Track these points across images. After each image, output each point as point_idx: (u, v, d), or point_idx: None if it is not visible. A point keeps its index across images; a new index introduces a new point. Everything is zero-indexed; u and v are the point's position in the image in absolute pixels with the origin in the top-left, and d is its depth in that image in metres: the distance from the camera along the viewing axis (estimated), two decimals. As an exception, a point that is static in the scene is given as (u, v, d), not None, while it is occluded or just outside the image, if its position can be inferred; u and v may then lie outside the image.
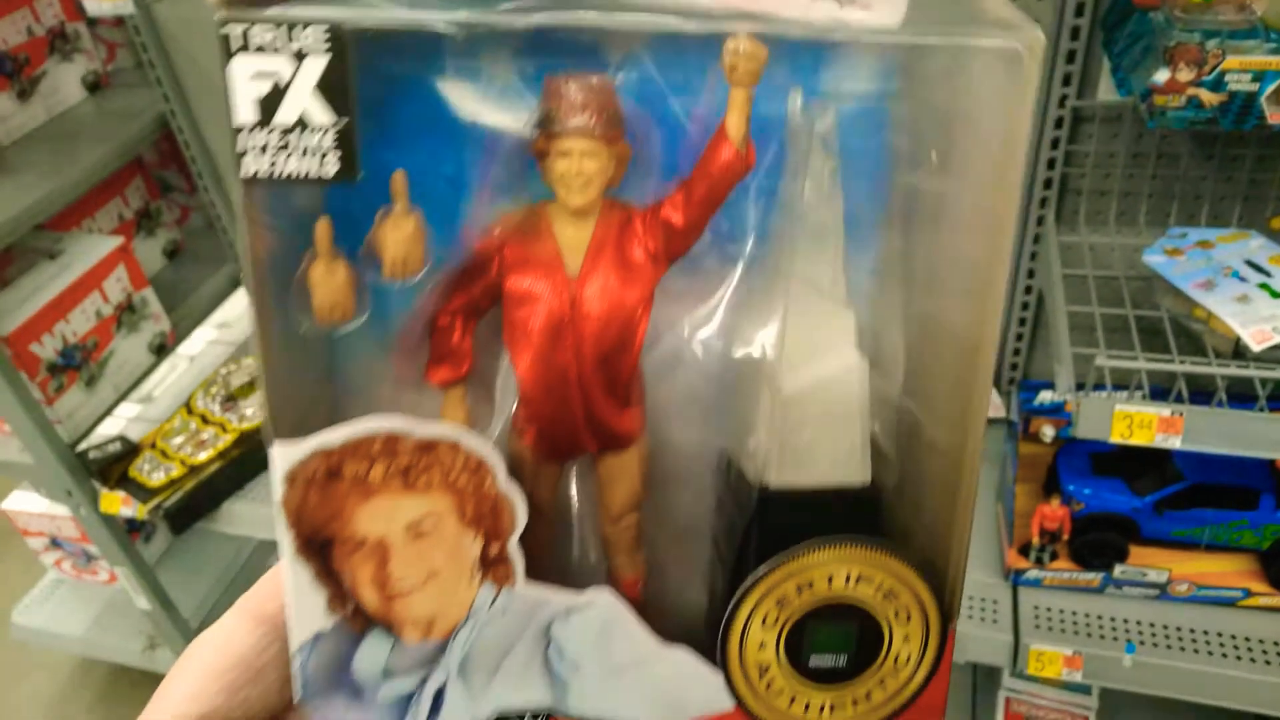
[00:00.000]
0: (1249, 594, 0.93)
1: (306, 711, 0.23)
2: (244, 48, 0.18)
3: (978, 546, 1.04)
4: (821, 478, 0.23)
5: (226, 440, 1.25)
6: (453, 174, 0.20)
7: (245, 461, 1.25)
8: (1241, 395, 0.78)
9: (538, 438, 0.23)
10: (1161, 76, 0.80)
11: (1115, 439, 0.78)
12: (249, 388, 1.32)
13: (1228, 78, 0.79)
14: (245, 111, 0.18)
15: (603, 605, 0.23)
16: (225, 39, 0.18)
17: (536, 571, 0.23)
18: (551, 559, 0.23)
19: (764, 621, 0.24)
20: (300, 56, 0.18)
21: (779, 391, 0.22)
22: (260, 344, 0.21)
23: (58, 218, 1.35)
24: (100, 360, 1.32)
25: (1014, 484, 1.01)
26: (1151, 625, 0.94)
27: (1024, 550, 0.98)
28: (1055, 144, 1.01)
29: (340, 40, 0.17)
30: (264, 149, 0.19)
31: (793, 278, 0.21)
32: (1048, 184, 1.04)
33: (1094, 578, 0.96)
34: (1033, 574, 0.98)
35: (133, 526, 1.57)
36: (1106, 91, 0.98)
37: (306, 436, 0.21)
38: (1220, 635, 0.93)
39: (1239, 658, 0.91)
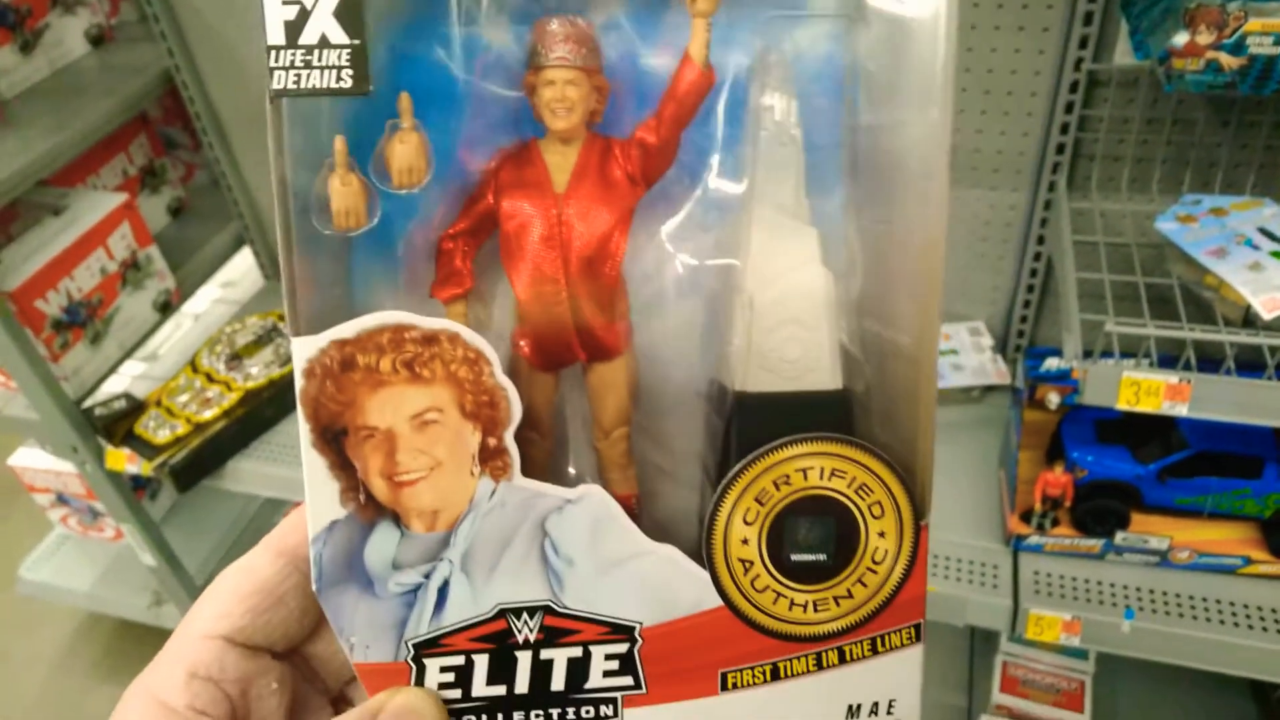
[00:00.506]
0: (1249, 561, 0.94)
1: (322, 602, 0.25)
2: None
3: (979, 512, 1.05)
4: (794, 383, 0.25)
5: (231, 399, 1.25)
6: (450, 99, 0.23)
7: (250, 420, 1.25)
8: (1251, 365, 0.78)
9: (534, 347, 0.25)
10: (1180, 39, 0.79)
11: (1122, 405, 0.77)
12: (254, 346, 1.32)
13: (1249, 40, 0.77)
14: (275, 33, 0.22)
15: (593, 501, 0.25)
16: None
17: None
18: (547, 476, 0.25)
19: (745, 518, 0.25)
20: None
21: (750, 303, 0.24)
22: (283, 247, 0.23)
23: (61, 174, 1.34)
24: (105, 317, 1.32)
25: (1017, 450, 1.01)
26: (1151, 592, 0.95)
27: (1026, 516, 0.98)
28: (1069, 108, 1.00)
29: None
30: (290, 66, 0.22)
31: (760, 201, 0.24)
32: (1060, 149, 1.02)
33: (1095, 544, 0.96)
34: (1034, 540, 0.98)
35: (138, 484, 1.58)
36: (1123, 55, 0.96)
37: (322, 333, 0.23)
38: (1219, 602, 0.93)
39: (1237, 624, 0.91)
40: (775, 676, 0.26)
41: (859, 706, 0.27)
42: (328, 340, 0.23)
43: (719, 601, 0.25)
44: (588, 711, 0.26)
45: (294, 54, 0.22)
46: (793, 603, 0.26)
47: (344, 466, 0.25)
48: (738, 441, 0.24)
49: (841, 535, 0.25)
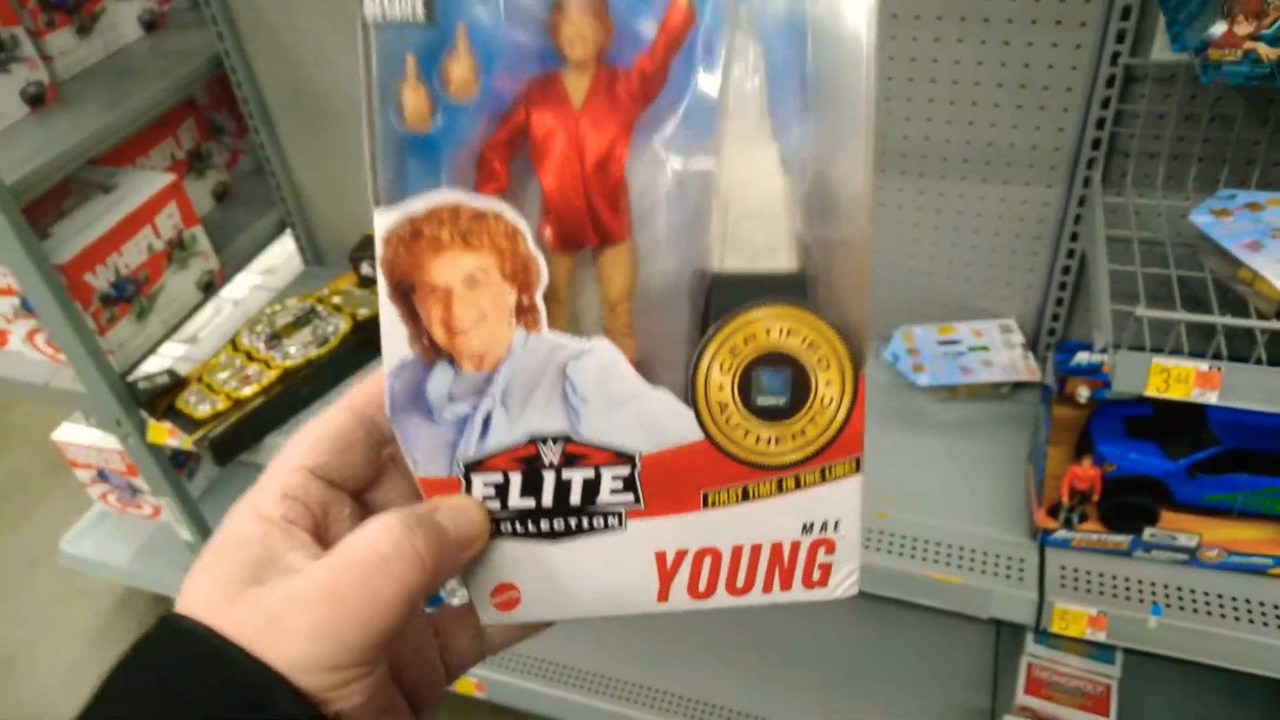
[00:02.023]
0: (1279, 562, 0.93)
1: (393, 425, 0.32)
2: None
3: (1007, 507, 1.04)
4: (759, 264, 0.31)
5: (270, 376, 1.28)
6: (494, 33, 0.30)
7: (287, 397, 1.28)
8: (1283, 360, 0.78)
9: (555, 230, 0.31)
10: (1218, 29, 0.79)
11: (1151, 392, 0.77)
12: (293, 327, 1.35)
13: (1288, 31, 0.77)
14: None
15: (603, 350, 0.32)
16: None
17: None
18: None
19: (721, 368, 0.32)
20: None
21: (725, 201, 0.31)
22: (368, 139, 0.30)
23: (112, 154, 1.38)
24: (151, 294, 1.36)
25: (1046, 446, 1.01)
26: (1179, 589, 0.94)
27: (1053, 511, 0.98)
28: (1105, 103, 0.99)
29: None
30: (375, 1, 0.29)
31: (732, 120, 0.31)
32: (1096, 144, 1.02)
33: (1122, 540, 0.96)
34: (1061, 534, 0.98)
35: (177, 462, 1.62)
36: (1161, 50, 0.96)
37: (397, 205, 0.30)
38: (1248, 602, 0.92)
39: (1266, 624, 0.90)
40: (745, 497, 0.33)
41: (812, 524, 0.33)
42: (401, 213, 0.30)
43: (701, 435, 0.32)
44: (598, 521, 0.33)
45: None
46: (759, 438, 0.32)
47: (412, 317, 0.31)
48: (714, 308, 0.31)
49: (796, 383, 0.32)
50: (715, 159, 0.31)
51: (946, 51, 1.04)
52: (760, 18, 0.30)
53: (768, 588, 0.34)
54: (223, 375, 1.30)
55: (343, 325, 1.34)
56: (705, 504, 0.33)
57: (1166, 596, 0.93)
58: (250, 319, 1.38)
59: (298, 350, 1.31)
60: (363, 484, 0.34)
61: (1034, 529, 1.00)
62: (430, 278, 0.30)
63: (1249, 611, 0.91)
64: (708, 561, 0.33)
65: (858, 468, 0.33)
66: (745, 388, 0.32)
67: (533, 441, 0.32)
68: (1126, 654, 1.23)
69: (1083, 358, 1.02)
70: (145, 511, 1.79)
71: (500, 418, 0.32)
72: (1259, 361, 0.76)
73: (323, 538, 0.31)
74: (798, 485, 0.33)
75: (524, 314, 0.31)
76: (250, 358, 1.32)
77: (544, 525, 0.33)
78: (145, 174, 1.38)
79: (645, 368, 0.32)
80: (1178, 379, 0.75)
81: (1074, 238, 1.10)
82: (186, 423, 1.26)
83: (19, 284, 1.21)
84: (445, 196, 0.30)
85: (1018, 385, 1.18)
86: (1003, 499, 1.05)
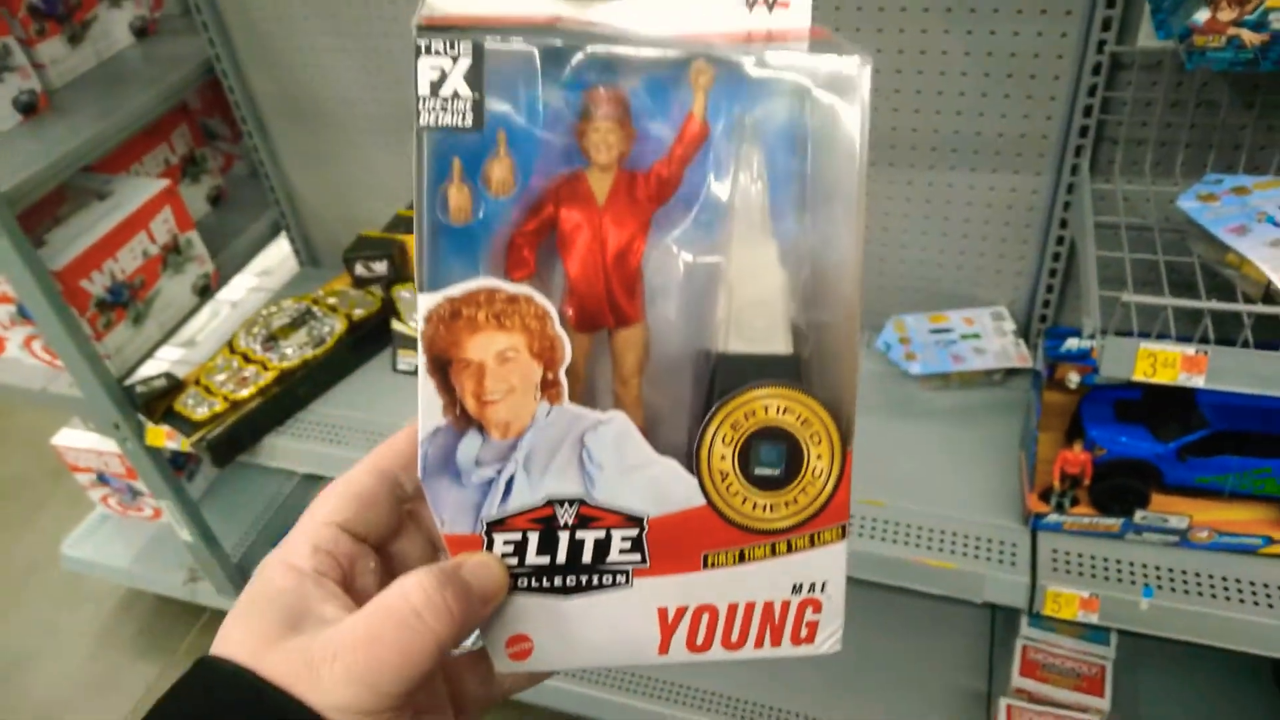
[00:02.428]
0: (1270, 541, 0.94)
1: (425, 487, 0.34)
2: (427, 51, 0.32)
3: (999, 492, 1.05)
4: (759, 347, 0.35)
5: (267, 378, 1.29)
6: (530, 139, 0.33)
7: (284, 398, 1.29)
8: (1270, 345, 0.78)
9: (578, 312, 0.35)
10: (1202, 16, 0.79)
11: (1139, 377, 0.78)
12: (289, 328, 1.36)
13: (1271, 16, 0.78)
14: (424, 87, 0.32)
15: (619, 421, 0.35)
16: (417, 46, 0.32)
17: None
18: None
19: (723, 440, 0.35)
20: (456, 58, 0.32)
21: (729, 289, 0.35)
22: (417, 231, 0.33)
23: (106, 161, 1.39)
24: (147, 299, 1.37)
25: (1037, 431, 1.02)
26: (1170, 570, 0.95)
27: (1045, 495, 0.99)
28: (1092, 90, 1.00)
29: (479, 52, 0.32)
30: (430, 110, 0.32)
31: (737, 220, 0.34)
32: (1083, 131, 1.03)
33: (1114, 523, 0.97)
34: (1052, 518, 0.99)
35: (177, 464, 1.63)
36: (1146, 38, 0.97)
37: (440, 290, 0.33)
38: (1239, 581, 0.93)
39: (1257, 603, 0.91)
40: (741, 559, 0.36)
41: (801, 585, 0.36)
42: (443, 296, 0.33)
43: (703, 501, 0.35)
44: (607, 578, 0.36)
45: (434, 101, 0.32)
46: (755, 504, 0.35)
47: (447, 389, 0.34)
48: (719, 385, 0.35)
49: (790, 455, 0.35)
50: (723, 253, 0.35)
51: (934, 42, 1.05)
52: (764, 127, 0.34)
53: (760, 643, 0.37)
54: (220, 377, 1.31)
55: (338, 326, 1.35)
56: (705, 564, 0.36)
57: (1158, 578, 0.95)
58: (246, 321, 1.39)
59: (294, 351, 1.32)
60: (385, 538, 0.37)
61: (1026, 513, 1.01)
62: (466, 354, 0.33)
63: (1240, 591, 0.93)
64: (706, 618, 0.36)
65: (843, 534, 0.36)
66: (745, 459, 0.35)
67: (550, 503, 0.35)
68: (1121, 634, 1.24)
69: (1072, 343, 1.03)
70: (146, 513, 1.80)
71: (522, 481, 0.35)
72: (1246, 345, 0.77)
73: (350, 588, 0.34)
74: (789, 549, 0.36)
75: (548, 388, 0.34)
76: (247, 359, 1.32)
77: (557, 581, 0.36)
78: (139, 180, 1.39)
79: (651, 431, 0.35)
80: (1165, 363, 0.76)
81: (1063, 225, 1.11)
82: (185, 425, 1.26)
83: (15, 291, 1.21)
84: (482, 282, 0.33)
85: (1009, 372, 1.19)
86: (995, 484, 1.07)
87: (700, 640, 0.36)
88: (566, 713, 1.45)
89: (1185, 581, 0.94)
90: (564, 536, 0.35)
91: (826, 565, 0.36)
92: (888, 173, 1.17)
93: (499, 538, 0.35)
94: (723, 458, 0.35)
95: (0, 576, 2.01)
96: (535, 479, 0.34)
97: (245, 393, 1.27)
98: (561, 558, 0.35)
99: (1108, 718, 1.20)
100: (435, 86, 0.32)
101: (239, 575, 1.66)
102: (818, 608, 0.37)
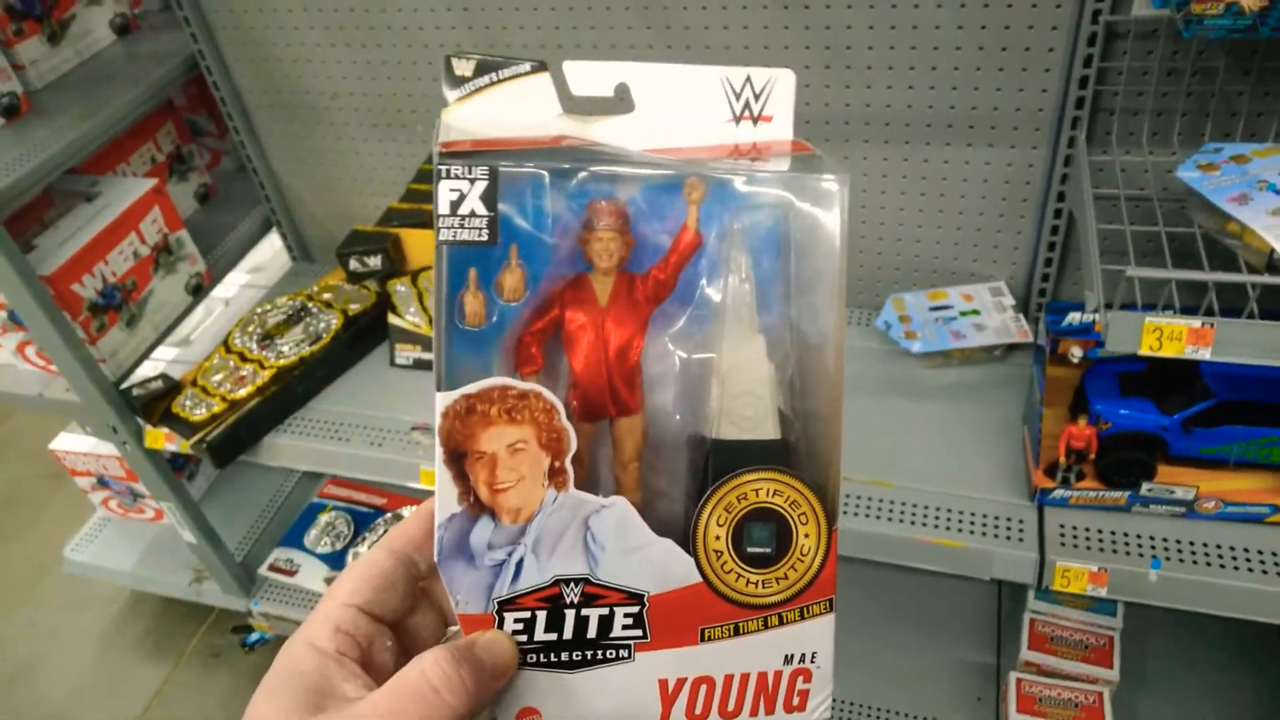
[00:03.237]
0: (1276, 510, 0.94)
1: (441, 569, 0.36)
2: (447, 175, 0.34)
3: (1004, 469, 1.05)
4: (749, 434, 0.38)
5: (264, 377, 1.28)
6: (539, 249, 0.36)
7: (282, 396, 1.28)
8: (1275, 314, 0.78)
9: (581, 404, 0.37)
10: (1198, -17, 0.78)
11: (1145, 351, 0.78)
12: (284, 326, 1.35)
13: (1267, -18, 0.77)
14: (444, 206, 0.35)
15: (620, 506, 0.37)
16: (438, 170, 0.35)
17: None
18: (584, 489, 0.38)
19: (718, 522, 0.37)
20: (473, 181, 0.35)
21: (722, 381, 0.38)
22: (435, 335, 0.36)
23: (92, 162, 1.37)
24: (140, 300, 1.35)
25: (1041, 406, 1.02)
26: (1178, 542, 0.95)
27: (1050, 470, 0.99)
28: (1088, 61, 0.99)
29: (494, 174, 0.35)
30: (450, 227, 0.35)
31: (728, 318, 0.37)
32: (1079, 103, 1.02)
33: (1120, 496, 0.97)
34: (1059, 493, 0.99)
35: (177, 465, 1.62)
36: (1141, 6, 0.96)
37: (455, 389, 0.36)
38: (1247, 551, 0.93)
39: (1265, 572, 0.91)
40: (737, 632, 0.38)
41: (792, 655, 0.38)
42: (459, 394, 0.36)
43: (700, 579, 0.37)
44: (610, 653, 0.38)
45: (454, 219, 0.35)
46: (749, 581, 0.37)
47: (462, 477, 0.36)
48: (713, 471, 0.37)
49: (781, 535, 0.37)
50: (715, 348, 0.38)
51: (926, 16, 1.04)
52: (751, 234, 0.37)
53: (754, 711, 0.39)
54: (217, 377, 1.30)
55: (335, 321, 1.34)
56: (703, 638, 0.38)
57: (1166, 549, 0.95)
58: (242, 319, 1.38)
59: (291, 349, 1.31)
60: (401, 614, 0.39)
61: (1032, 489, 1.00)
62: (480, 446, 0.36)
63: (1248, 560, 0.93)
64: (704, 688, 0.38)
65: (830, 607, 0.38)
66: (738, 538, 0.37)
67: (557, 583, 0.37)
68: (1128, 605, 1.25)
69: (1074, 318, 1.03)
70: (147, 515, 1.79)
71: (531, 563, 0.37)
72: (1251, 315, 0.77)
73: (369, 666, 0.36)
74: (781, 623, 0.38)
75: (555, 476, 0.37)
76: (244, 358, 1.31)
77: (564, 656, 0.38)
78: (127, 180, 1.37)
79: (649, 513, 0.37)
80: (1170, 336, 0.76)
81: (1061, 198, 1.11)
82: (183, 427, 1.26)
83: (6, 297, 1.20)
84: (495, 381, 0.36)
85: (1010, 347, 1.18)
86: (1000, 461, 1.06)
87: (699, 710, 0.38)
88: None
89: (1193, 552, 0.94)
90: (570, 614, 0.37)
91: (816, 636, 0.38)
92: (882, 150, 1.16)
93: (509, 616, 0.37)
94: (717, 538, 0.37)
95: (5, 582, 2.00)
96: (543, 560, 0.37)
97: (243, 392, 1.27)
98: (568, 634, 0.37)
99: (1117, 688, 1.21)
100: (455, 205, 0.35)
101: (244, 575, 1.65)
102: (808, 677, 0.38)
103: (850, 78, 1.11)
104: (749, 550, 0.37)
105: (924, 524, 1.01)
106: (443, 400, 0.35)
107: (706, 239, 0.37)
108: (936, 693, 1.35)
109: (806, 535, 0.37)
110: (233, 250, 1.55)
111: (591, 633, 0.37)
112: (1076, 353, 1.03)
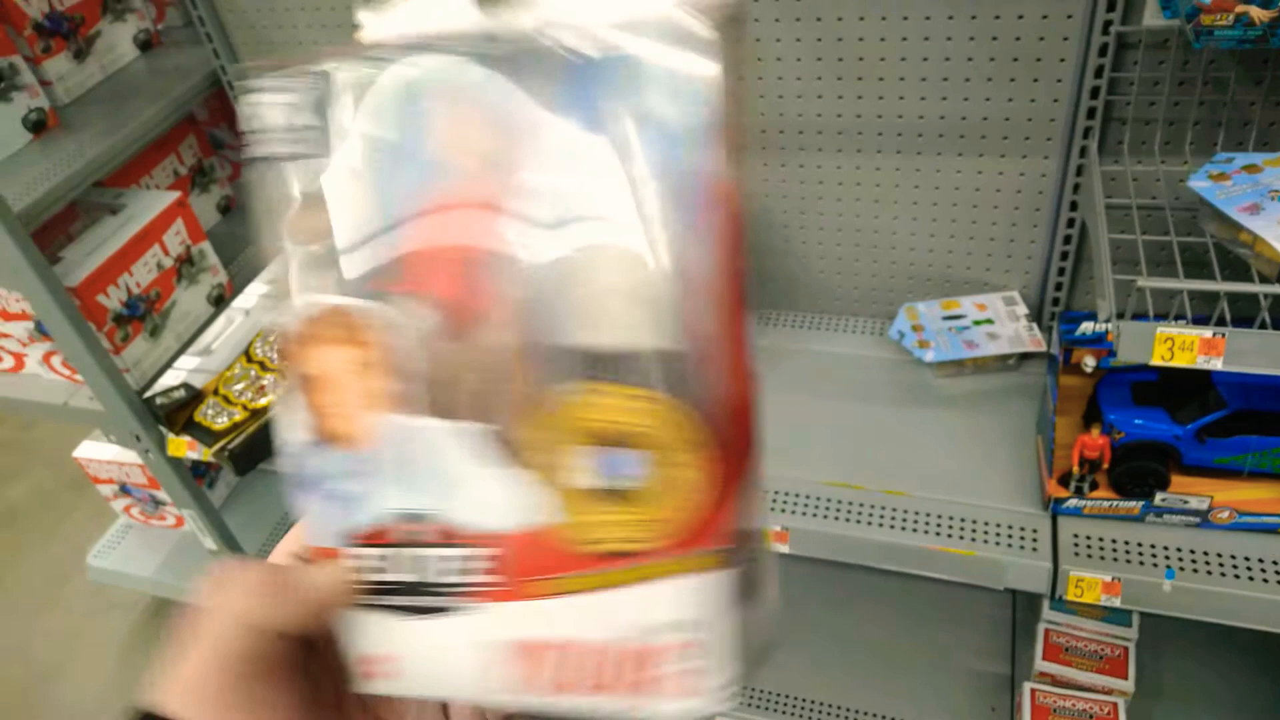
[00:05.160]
0: (1292, 520, 0.93)
1: (291, 498, 0.35)
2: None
3: (1017, 478, 1.05)
4: (622, 341, 0.31)
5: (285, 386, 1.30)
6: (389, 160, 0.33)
7: (302, 405, 1.30)
8: (1288, 322, 0.78)
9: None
10: (1208, -5, 0.79)
11: (1156, 361, 0.78)
12: (303, 336, 1.37)
13: (1277, -7, 0.77)
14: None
15: (473, 434, 0.32)
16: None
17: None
18: (437, 416, 0.34)
19: (580, 449, 0.31)
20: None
21: (592, 279, 0.30)
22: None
23: (116, 175, 1.40)
24: (163, 311, 1.38)
25: (1054, 415, 1.02)
26: (1192, 552, 0.95)
27: (1064, 480, 0.99)
28: (1099, 71, 1.00)
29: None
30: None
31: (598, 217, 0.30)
32: (1091, 113, 1.03)
33: (1134, 505, 0.97)
34: (1072, 503, 0.99)
35: (198, 473, 1.65)
36: (1152, 17, 0.96)
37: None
38: (1261, 561, 0.93)
39: (1280, 582, 0.91)
40: (605, 585, 0.32)
41: (674, 622, 0.32)
42: (295, 311, 0.33)
43: (561, 518, 0.31)
44: (460, 600, 0.33)
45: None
46: (612, 522, 0.31)
47: (305, 403, 0.34)
48: (572, 384, 0.30)
49: (654, 466, 0.30)
50: (583, 247, 0.30)
51: (937, 28, 1.04)
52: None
53: (634, 688, 0.31)
54: (238, 387, 1.32)
55: (353, 331, 1.36)
56: (564, 590, 0.31)
57: (1180, 559, 0.95)
58: (263, 329, 1.40)
59: (310, 358, 1.33)
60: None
61: (1046, 498, 1.01)
62: (314, 368, 0.32)
63: (1263, 571, 0.92)
64: (572, 654, 0.32)
65: (725, 563, 0.30)
66: (599, 468, 0.30)
67: (401, 518, 0.33)
68: (1143, 615, 1.24)
69: (1087, 328, 1.03)
70: (169, 522, 1.82)
71: (378, 496, 0.33)
72: (1263, 325, 0.77)
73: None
74: (652, 577, 0.30)
75: (401, 400, 0.32)
76: (265, 368, 1.33)
77: (411, 600, 0.33)
78: (150, 193, 1.40)
79: (503, 438, 0.31)
80: (1183, 346, 0.76)
81: (1073, 207, 1.11)
82: (205, 435, 1.28)
83: (33, 308, 1.23)
84: (333, 299, 0.32)
85: (1024, 356, 1.18)
86: (1013, 470, 1.07)
87: (568, 677, 0.32)
88: None
89: (1207, 562, 0.94)
90: (412, 553, 0.33)
91: (699, 599, 0.30)
92: (895, 160, 1.16)
93: (354, 552, 0.34)
94: (579, 469, 0.30)
95: (28, 588, 2.03)
96: (392, 493, 0.33)
97: (264, 401, 1.28)
98: (416, 575, 0.33)
99: (1132, 699, 1.20)
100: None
101: (263, 581, 1.67)
102: (695, 651, 0.31)
103: (862, 89, 1.12)
104: (618, 485, 0.30)
105: (937, 533, 1.01)
106: (282, 320, 0.33)
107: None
108: (950, 703, 1.34)
109: (684, 466, 0.29)
110: (253, 261, 1.57)
111: (442, 576, 0.33)
112: (1090, 362, 1.03)
